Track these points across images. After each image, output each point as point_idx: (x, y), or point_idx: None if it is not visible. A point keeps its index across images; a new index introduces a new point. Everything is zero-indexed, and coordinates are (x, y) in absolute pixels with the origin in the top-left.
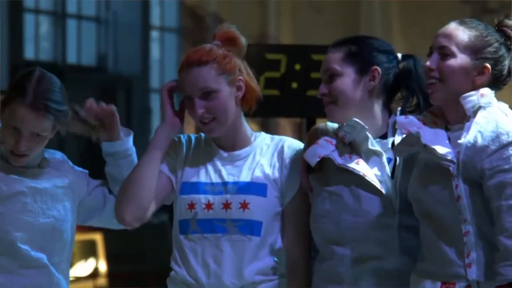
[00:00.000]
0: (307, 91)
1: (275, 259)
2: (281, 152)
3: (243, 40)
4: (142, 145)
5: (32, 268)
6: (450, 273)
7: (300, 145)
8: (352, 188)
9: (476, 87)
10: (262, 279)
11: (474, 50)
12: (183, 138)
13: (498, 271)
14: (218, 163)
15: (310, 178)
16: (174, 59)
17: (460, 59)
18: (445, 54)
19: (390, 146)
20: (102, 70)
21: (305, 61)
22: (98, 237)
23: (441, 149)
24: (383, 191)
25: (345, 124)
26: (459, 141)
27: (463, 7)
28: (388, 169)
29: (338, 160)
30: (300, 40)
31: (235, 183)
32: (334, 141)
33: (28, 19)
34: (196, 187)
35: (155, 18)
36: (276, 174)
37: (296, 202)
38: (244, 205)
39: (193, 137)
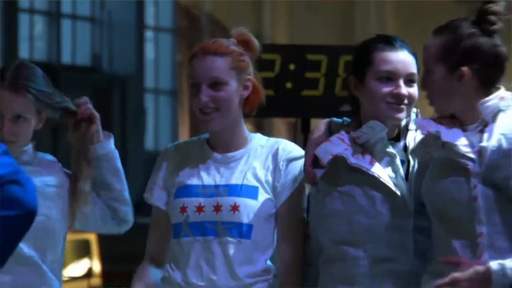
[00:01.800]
0: (301, 91)
1: (269, 262)
2: (275, 155)
3: (257, 44)
4: (137, 143)
5: (24, 266)
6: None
7: (295, 148)
8: (365, 189)
9: None
10: (255, 280)
11: None
12: (171, 148)
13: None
14: (211, 166)
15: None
16: (168, 59)
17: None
18: None
19: (402, 148)
20: (96, 70)
21: (300, 61)
22: (92, 237)
23: (462, 146)
24: (398, 192)
25: (363, 125)
26: (481, 144)
27: (459, 7)
28: (402, 171)
29: (352, 159)
30: (295, 40)
31: (226, 185)
32: (346, 138)
33: (23, 19)
34: (188, 190)
35: (149, 18)
36: (269, 177)
37: (290, 204)
38: (234, 208)
39: (181, 143)
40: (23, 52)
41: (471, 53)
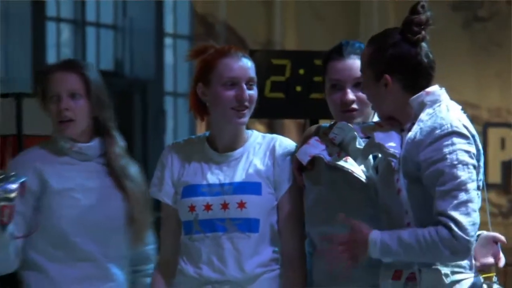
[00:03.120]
0: (310, 94)
1: (275, 249)
2: (272, 151)
3: None
4: (157, 145)
5: (85, 261)
6: (399, 262)
7: (290, 143)
8: (342, 185)
9: None
10: (263, 270)
11: None
12: (173, 146)
13: None
14: (214, 165)
15: (303, 176)
16: (186, 64)
17: None
18: None
19: None
20: (119, 75)
21: (308, 66)
22: None
23: (389, 145)
24: (367, 184)
25: (334, 126)
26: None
27: (455, 15)
28: (372, 165)
29: (327, 158)
30: (304, 47)
31: (231, 183)
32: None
33: (50, 27)
34: (194, 190)
35: (168, 26)
36: (269, 172)
37: (289, 196)
38: (241, 205)
39: (181, 142)
40: (51, 58)
41: (394, 62)
